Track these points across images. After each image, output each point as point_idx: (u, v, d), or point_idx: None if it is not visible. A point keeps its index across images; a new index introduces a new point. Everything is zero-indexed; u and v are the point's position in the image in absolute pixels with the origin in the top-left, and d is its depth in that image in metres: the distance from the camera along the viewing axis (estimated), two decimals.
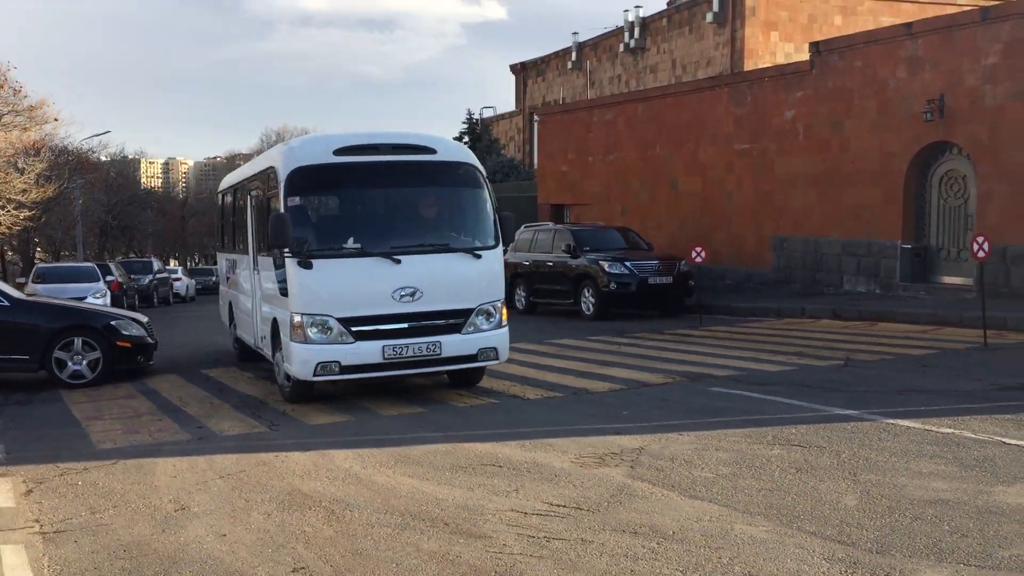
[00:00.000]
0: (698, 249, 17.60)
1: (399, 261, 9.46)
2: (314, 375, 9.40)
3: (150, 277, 34.05)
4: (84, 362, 12.30)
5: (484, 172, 10.37)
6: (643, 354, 13.35)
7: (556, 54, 44.95)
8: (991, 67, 16.72)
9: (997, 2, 25.17)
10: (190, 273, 47.18)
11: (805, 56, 31.37)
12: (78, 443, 8.71)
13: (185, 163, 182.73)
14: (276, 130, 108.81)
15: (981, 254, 12.80)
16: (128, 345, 12.62)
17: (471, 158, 10.42)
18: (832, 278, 20.08)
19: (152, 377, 12.88)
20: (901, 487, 6.19)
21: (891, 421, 8.17)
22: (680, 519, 5.69)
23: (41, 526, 6.06)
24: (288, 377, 10.02)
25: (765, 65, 31.30)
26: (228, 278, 14.49)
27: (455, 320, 9.72)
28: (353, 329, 9.36)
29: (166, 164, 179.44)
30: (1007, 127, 16.53)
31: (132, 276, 31.62)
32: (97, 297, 22.64)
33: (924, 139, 18.02)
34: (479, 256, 9.92)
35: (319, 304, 9.35)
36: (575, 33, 42.99)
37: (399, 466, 7.34)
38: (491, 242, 10.07)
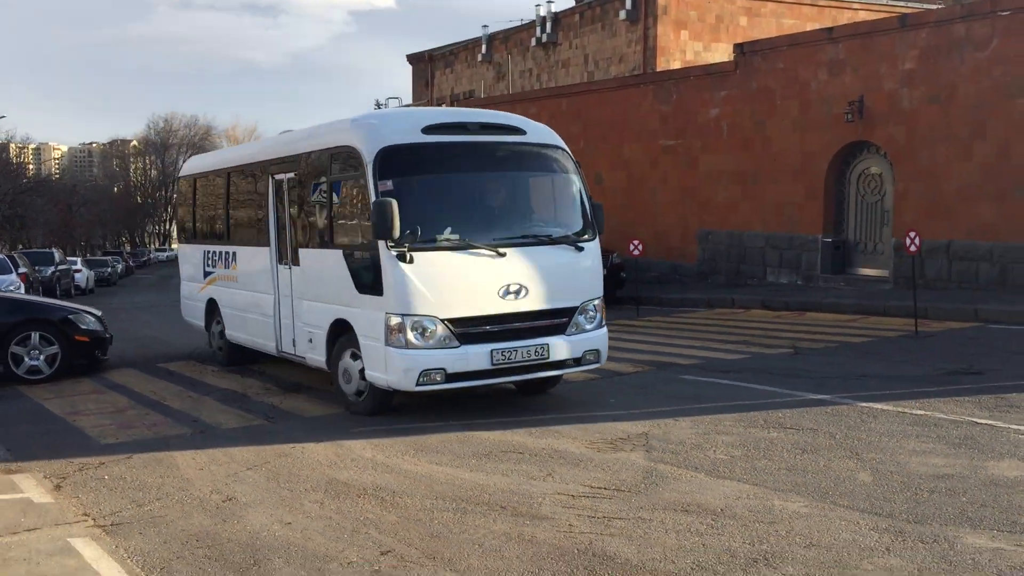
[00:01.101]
0: (636, 242, 18.21)
1: (504, 254, 8.51)
2: (416, 384, 8.27)
3: (52, 269, 32.71)
4: (42, 357, 11.98)
5: (573, 156, 9.56)
6: None
7: (465, 46, 45.14)
8: (908, 72, 17.84)
9: (909, 10, 26.69)
10: (88, 264, 45.47)
11: (714, 55, 32.61)
12: (76, 438, 8.60)
13: (59, 149, 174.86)
14: (164, 116, 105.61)
15: (913, 248, 13.73)
16: (86, 339, 12.34)
17: (560, 141, 9.49)
18: (756, 270, 21.03)
19: (110, 372, 12.63)
20: (904, 464, 6.78)
21: (864, 404, 8.82)
22: (721, 497, 6.13)
23: (94, 520, 6.07)
24: (363, 390, 8.98)
25: (676, 63, 32.29)
26: (209, 273, 13.06)
27: (560, 320, 8.86)
28: (458, 332, 8.35)
29: (37, 150, 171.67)
30: (922, 129, 17.68)
31: (35, 268, 30.36)
32: (11, 289, 21.75)
33: (844, 139, 19.07)
34: (581, 249, 9.11)
35: (423, 304, 8.23)
36: (485, 26, 43.28)
37: (421, 454, 7.56)
38: (588, 233, 9.26)
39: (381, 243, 8.20)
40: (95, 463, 7.56)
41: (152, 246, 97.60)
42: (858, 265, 19.42)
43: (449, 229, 8.48)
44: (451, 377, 8.36)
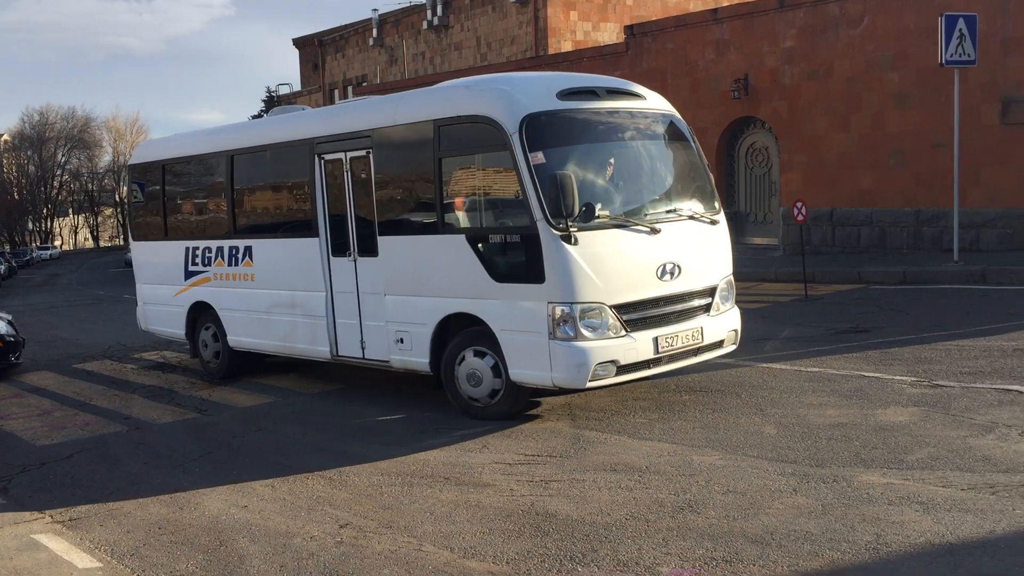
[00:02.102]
0: None
1: (659, 231, 7.82)
2: (589, 380, 7.39)
3: None
4: None
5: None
6: None
7: (355, 30, 44.91)
8: (788, 50, 18.85)
9: None
10: None
11: (603, 35, 33.41)
12: (9, 442, 8.67)
13: None
14: (38, 109, 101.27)
15: (800, 217, 14.66)
16: (1, 344, 12.21)
17: (673, 109, 8.93)
18: None
19: (24, 376, 12.54)
20: (803, 416, 7.50)
21: (765, 365, 9.57)
22: (644, 456, 6.72)
23: (51, 517, 6.29)
24: (498, 390, 8.02)
25: (567, 43, 32.99)
26: (195, 273, 11.31)
27: (706, 300, 8.29)
28: (625, 319, 7.58)
29: None
30: (803, 103, 18.74)
31: None
32: None
33: (732, 115, 20.02)
34: (716, 223, 8.53)
35: (592, 290, 7.38)
36: (375, 10, 43.16)
37: (359, 436, 7.95)
38: (716, 205, 8.68)
39: (542, 223, 7.31)
40: (36, 464, 7.69)
41: (34, 244, 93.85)
42: (750, 235, 20.45)
43: (599, 205, 7.65)
44: (622, 369, 7.56)
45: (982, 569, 4.46)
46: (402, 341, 8.70)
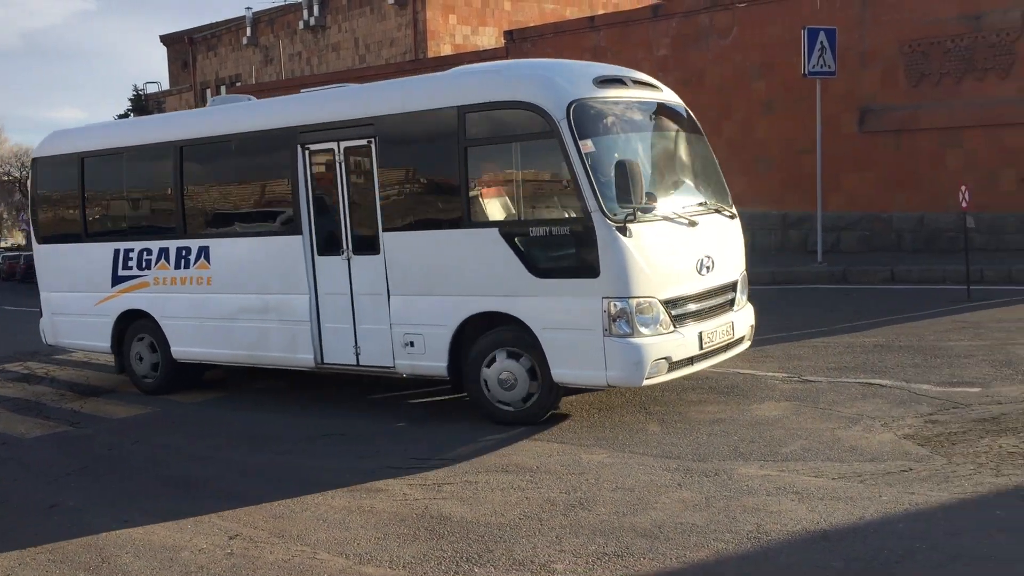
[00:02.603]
0: None
1: (696, 224, 7.70)
2: (645, 379, 7.18)
3: None
4: None
5: None
6: None
7: (228, 28, 43.81)
8: (662, 58, 19.43)
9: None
10: None
11: (482, 39, 33.64)
12: None
13: None
14: None
15: None
16: None
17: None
18: None
19: None
20: (684, 413, 7.77)
21: None
22: (535, 456, 6.84)
23: None
24: (532, 393, 7.66)
25: (446, 47, 33.10)
26: (126, 278, 10.23)
27: (732, 294, 8.24)
28: (673, 314, 7.42)
29: None
30: None
31: None
32: None
33: None
34: (733, 217, 8.49)
35: (646, 284, 7.16)
36: (249, 8, 42.21)
37: (243, 445, 7.80)
38: (730, 199, 8.60)
39: (597, 215, 7.03)
40: None
41: None
42: None
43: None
44: (672, 366, 7.37)
45: (854, 552, 4.73)
46: (412, 344, 8.16)
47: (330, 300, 8.70)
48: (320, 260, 8.74)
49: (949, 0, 16.04)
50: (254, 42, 41.86)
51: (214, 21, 44.27)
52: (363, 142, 8.37)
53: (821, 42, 15.51)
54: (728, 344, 8.00)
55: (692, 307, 7.61)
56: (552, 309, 7.39)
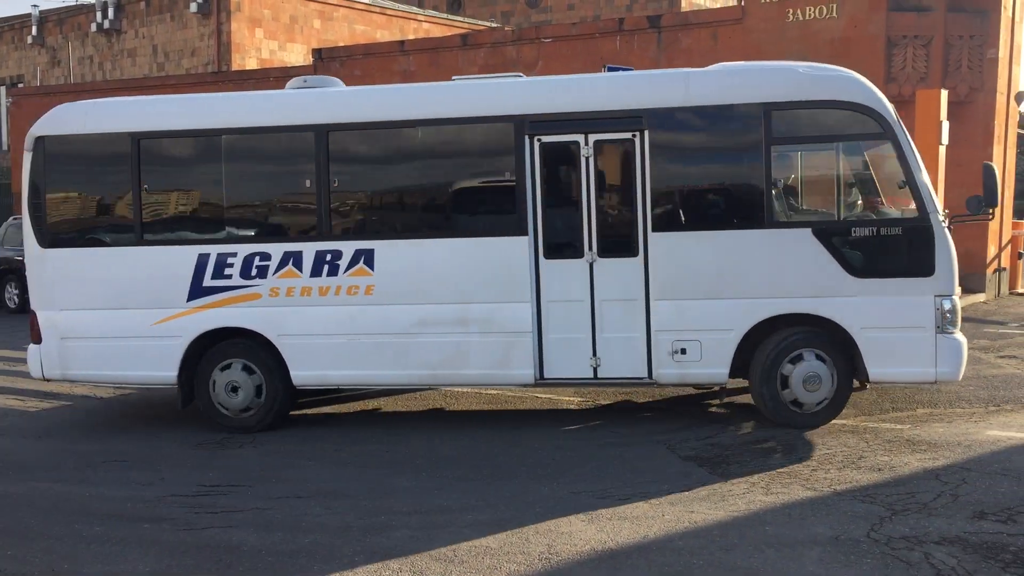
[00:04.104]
0: None
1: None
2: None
3: None
4: None
5: None
6: None
7: (11, 25, 40.85)
8: None
9: (468, 28, 29.11)
10: None
11: (290, 55, 33.01)
12: None
13: None
14: None
15: None
16: None
17: None
18: None
19: None
20: (482, 436, 7.88)
21: (447, 388, 9.91)
22: (332, 481, 6.74)
23: None
24: (828, 397, 7.66)
25: (252, 60, 32.22)
26: (224, 289, 8.33)
27: None
28: None
29: None
30: None
31: None
32: None
33: None
34: None
35: (957, 282, 7.71)
36: (35, 5, 39.54)
37: (11, 471, 7.25)
38: None
39: (934, 216, 7.40)
40: None
41: None
42: None
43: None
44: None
45: (638, 571, 4.95)
46: (683, 352, 7.76)
47: (557, 308, 7.99)
48: (547, 264, 7.99)
49: (735, 52, 17.22)
50: (40, 41, 39.21)
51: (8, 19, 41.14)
52: (625, 135, 7.90)
53: None
54: None
55: None
56: (874, 308, 7.51)
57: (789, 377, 7.65)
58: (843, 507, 5.78)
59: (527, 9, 43.93)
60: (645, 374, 7.89)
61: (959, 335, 7.55)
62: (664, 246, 7.79)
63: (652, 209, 7.80)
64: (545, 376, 8.04)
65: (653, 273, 7.79)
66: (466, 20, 36.40)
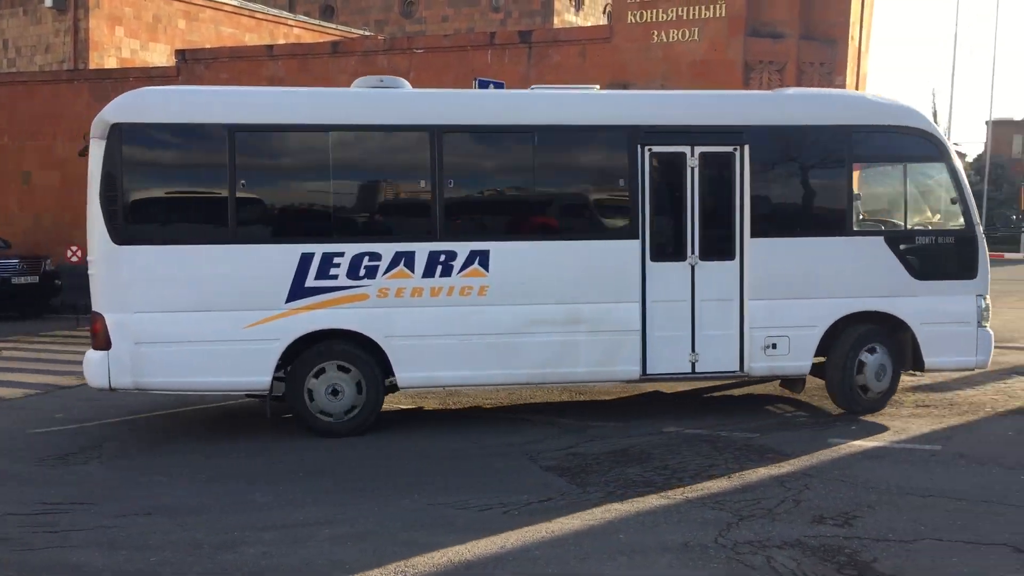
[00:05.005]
0: (74, 248, 17.36)
1: None
2: None
3: None
4: None
5: None
6: (37, 357, 13.06)
7: None
8: None
9: (340, 35, 28.79)
10: None
11: (152, 55, 31.92)
12: None
13: None
14: None
15: None
16: None
17: None
18: None
19: None
20: (351, 446, 7.78)
21: None
22: (185, 497, 6.53)
23: None
24: (887, 387, 8.93)
25: (111, 59, 30.95)
26: (329, 290, 8.09)
27: None
28: None
29: None
30: None
31: None
32: None
33: None
34: None
35: None
36: None
37: None
38: None
39: (978, 228, 8.89)
40: None
41: None
42: None
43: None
44: None
45: None
46: (774, 347, 8.59)
47: (661, 308, 8.50)
48: (652, 266, 8.49)
49: (604, 68, 17.60)
50: None
51: None
52: (728, 148, 8.60)
53: None
54: None
55: None
56: (931, 306, 8.74)
57: (866, 365, 8.76)
58: (694, 514, 5.97)
59: (401, 19, 43.92)
60: (737, 368, 8.65)
61: (990, 329, 8.96)
62: (759, 250, 8.60)
63: (753, 217, 8.59)
64: (648, 372, 8.55)
65: (748, 275, 8.58)
66: (338, 27, 36.00)
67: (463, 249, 8.26)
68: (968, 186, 8.96)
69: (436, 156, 8.26)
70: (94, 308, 8.06)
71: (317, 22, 36.41)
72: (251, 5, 33.81)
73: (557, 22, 40.23)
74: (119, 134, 7.96)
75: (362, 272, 8.14)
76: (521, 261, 8.37)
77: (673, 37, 16.66)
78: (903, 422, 8.50)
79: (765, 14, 16.26)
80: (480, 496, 6.39)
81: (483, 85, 16.40)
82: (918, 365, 8.89)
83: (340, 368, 8.17)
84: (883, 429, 8.25)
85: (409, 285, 8.20)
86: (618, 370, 8.56)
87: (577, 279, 8.42)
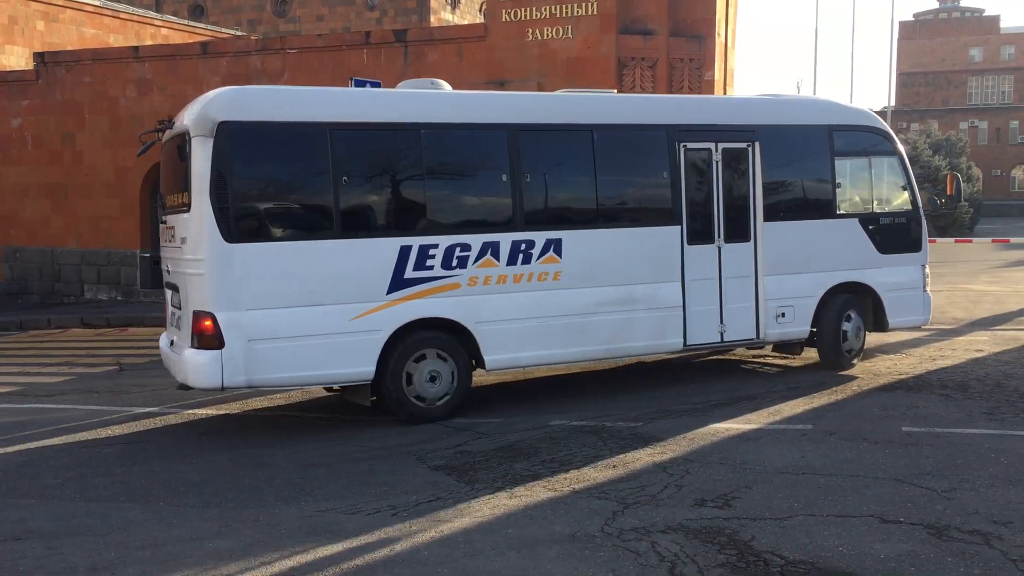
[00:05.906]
0: None
1: None
2: None
3: None
4: None
5: None
6: None
7: None
8: None
9: (210, 36, 28.03)
10: None
11: (10, 59, 30.35)
12: None
13: None
14: None
15: None
16: None
17: None
18: (73, 288, 20.37)
19: None
20: (229, 459, 7.60)
21: (190, 412, 9.49)
22: (54, 519, 6.24)
23: None
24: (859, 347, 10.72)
25: None
26: (425, 280, 8.51)
27: None
28: None
29: None
30: None
31: None
32: None
33: (157, 156, 19.50)
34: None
35: None
36: None
37: None
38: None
39: (921, 209, 10.74)
40: None
41: None
42: None
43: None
44: None
45: None
46: (783, 315, 9.99)
47: (697, 285, 9.64)
48: (689, 248, 9.61)
49: (479, 68, 17.67)
50: None
51: None
52: (742, 145, 9.92)
53: None
54: None
55: None
56: (892, 276, 10.47)
57: (847, 331, 10.33)
58: (580, 505, 6.08)
59: (275, 18, 43.09)
60: (755, 336, 10.01)
61: (930, 292, 10.86)
62: (770, 232, 9.97)
63: (765, 204, 9.96)
64: (688, 343, 9.66)
65: (761, 254, 9.94)
66: (209, 27, 35.00)
67: (540, 238, 8.97)
68: (913, 175, 10.81)
69: (513, 153, 8.94)
70: (199, 307, 8.00)
71: (186, 22, 35.32)
72: (115, 5, 32.57)
73: (434, 20, 40.16)
74: (227, 132, 7.91)
75: (455, 262, 8.64)
76: (588, 248, 9.24)
77: (548, 35, 16.86)
78: (776, 404, 8.85)
79: (635, 11, 16.64)
80: (369, 500, 6.35)
81: (359, 85, 16.25)
82: (880, 326, 10.60)
83: (438, 356, 8.61)
84: (758, 410, 8.58)
85: (495, 273, 8.80)
86: (668, 343, 9.65)
87: (633, 262, 9.41)
